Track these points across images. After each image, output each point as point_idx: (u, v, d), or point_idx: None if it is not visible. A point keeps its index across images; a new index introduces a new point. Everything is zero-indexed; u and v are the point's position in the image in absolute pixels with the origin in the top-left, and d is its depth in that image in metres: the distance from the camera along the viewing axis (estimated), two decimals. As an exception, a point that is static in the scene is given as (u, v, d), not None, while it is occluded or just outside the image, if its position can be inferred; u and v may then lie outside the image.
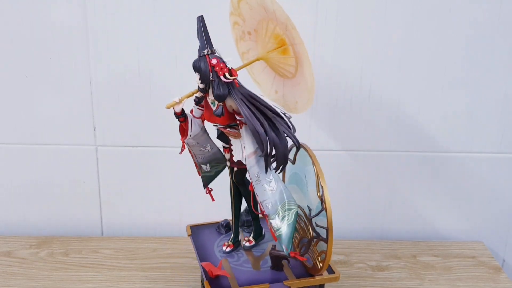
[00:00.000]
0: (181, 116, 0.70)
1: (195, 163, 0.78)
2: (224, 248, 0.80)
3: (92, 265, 0.94)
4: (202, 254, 0.80)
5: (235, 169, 0.76)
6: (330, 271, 0.75)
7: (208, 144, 0.75)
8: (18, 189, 1.04)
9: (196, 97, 0.69)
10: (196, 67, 0.66)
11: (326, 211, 0.68)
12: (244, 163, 0.70)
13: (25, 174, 1.03)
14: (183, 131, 0.72)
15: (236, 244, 0.81)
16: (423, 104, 0.98)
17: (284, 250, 0.68)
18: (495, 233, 1.06)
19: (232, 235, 0.81)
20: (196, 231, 0.86)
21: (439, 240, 1.05)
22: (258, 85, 0.81)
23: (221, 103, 0.67)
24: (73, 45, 0.95)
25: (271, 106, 0.68)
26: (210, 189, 0.80)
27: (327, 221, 0.68)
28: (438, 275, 0.92)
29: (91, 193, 1.05)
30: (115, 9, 0.93)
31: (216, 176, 0.80)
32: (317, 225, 0.72)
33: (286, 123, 0.69)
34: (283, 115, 0.68)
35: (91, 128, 1.00)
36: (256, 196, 0.69)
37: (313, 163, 0.70)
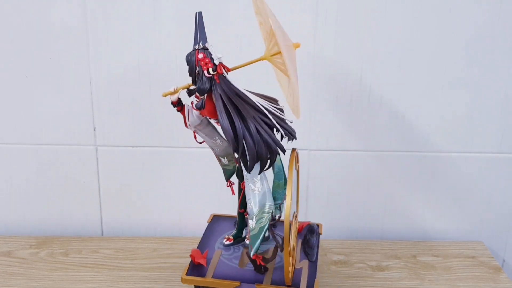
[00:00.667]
0: (177, 105, 0.73)
1: (215, 154, 0.79)
2: (224, 240, 0.81)
3: (92, 265, 0.94)
4: (203, 243, 0.81)
5: (236, 165, 0.76)
6: (311, 285, 0.73)
7: (217, 137, 0.77)
8: (18, 189, 1.04)
9: (188, 89, 0.72)
10: (186, 60, 0.69)
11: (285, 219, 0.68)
12: None
13: (25, 174, 1.03)
14: (184, 120, 0.75)
15: (239, 239, 0.81)
16: (423, 104, 0.98)
17: (250, 251, 0.70)
18: (495, 233, 1.06)
19: (235, 230, 0.82)
20: (215, 220, 0.88)
21: (439, 240, 1.05)
22: (281, 87, 0.80)
23: (202, 97, 0.70)
24: (73, 45, 0.95)
25: (258, 106, 0.69)
26: (231, 183, 0.81)
27: (284, 229, 0.68)
28: (438, 275, 0.92)
29: (91, 193, 1.05)
30: (115, 9, 0.93)
31: (235, 171, 0.81)
32: (277, 234, 0.72)
33: (271, 125, 0.69)
34: (271, 117, 0.69)
35: (91, 128, 1.00)
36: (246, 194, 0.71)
37: (289, 168, 0.69)
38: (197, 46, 0.68)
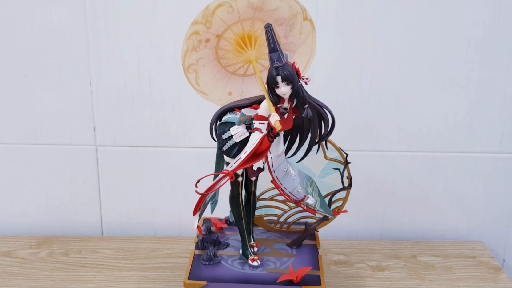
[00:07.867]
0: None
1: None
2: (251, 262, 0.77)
3: (92, 265, 0.94)
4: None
5: (253, 178, 0.76)
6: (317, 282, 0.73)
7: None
8: (18, 189, 1.04)
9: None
10: (285, 76, 0.64)
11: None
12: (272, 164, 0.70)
13: (25, 174, 1.03)
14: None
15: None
16: (423, 104, 0.98)
17: (330, 215, 0.79)
18: (495, 233, 1.06)
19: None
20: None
21: (439, 240, 1.05)
22: (205, 95, 0.75)
23: (285, 110, 0.67)
24: (73, 45, 0.95)
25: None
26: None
27: None
28: (438, 275, 0.92)
29: (91, 193, 1.05)
30: (115, 9, 0.93)
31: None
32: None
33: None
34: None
35: (91, 128, 1.00)
36: (284, 189, 0.72)
37: None
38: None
